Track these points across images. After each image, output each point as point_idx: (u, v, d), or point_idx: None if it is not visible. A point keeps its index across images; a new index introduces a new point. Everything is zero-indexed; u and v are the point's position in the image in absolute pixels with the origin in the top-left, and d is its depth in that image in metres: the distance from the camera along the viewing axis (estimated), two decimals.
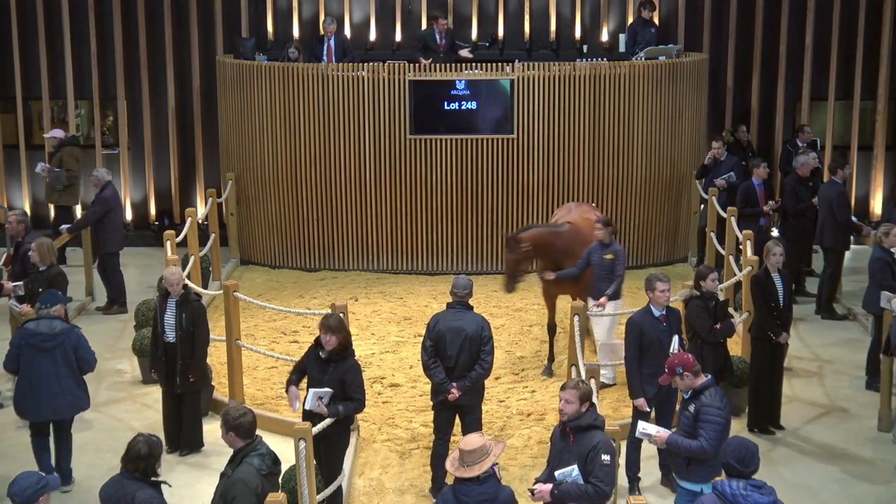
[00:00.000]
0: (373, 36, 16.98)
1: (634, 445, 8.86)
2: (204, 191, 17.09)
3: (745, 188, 13.74)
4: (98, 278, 13.91)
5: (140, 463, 6.46)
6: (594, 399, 7.16)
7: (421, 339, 9.04)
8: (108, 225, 13.61)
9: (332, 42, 15.38)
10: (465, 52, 15.19)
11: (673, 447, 7.38)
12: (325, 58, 15.28)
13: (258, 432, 6.89)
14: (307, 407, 8.02)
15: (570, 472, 6.70)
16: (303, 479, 7.64)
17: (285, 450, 7.87)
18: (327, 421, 8.02)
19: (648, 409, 8.72)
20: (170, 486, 6.74)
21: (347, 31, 16.83)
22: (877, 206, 17.25)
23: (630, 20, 16.57)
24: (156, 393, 10.47)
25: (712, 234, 13.89)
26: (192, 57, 17.04)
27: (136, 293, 13.90)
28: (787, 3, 16.90)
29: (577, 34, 16.97)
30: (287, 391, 8.43)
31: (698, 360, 7.80)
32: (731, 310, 10.34)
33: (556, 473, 6.77)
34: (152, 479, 6.54)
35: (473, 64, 14.87)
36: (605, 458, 6.69)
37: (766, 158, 15.21)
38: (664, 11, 16.88)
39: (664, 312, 8.83)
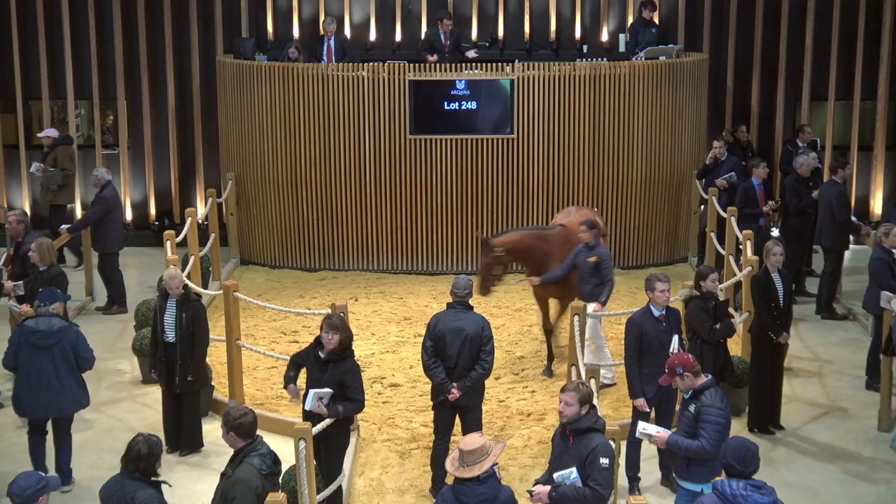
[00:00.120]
0: (373, 36, 16.98)
1: (634, 446, 8.86)
2: (204, 191, 17.09)
3: (744, 188, 13.74)
4: (98, 278, 13.91)
5: (140, 463, 6.46)
6: (594, 401, 7.14)
7: (421, 339, 9.04)
8: (107, 225, 13.61)
9: (332, 42, 15.39)
10: (471, 54, 15.17)
11: (673, 447, 7.38)
12: (325, 58, 15.28)
13: (258, 432, 6.89)
14: (307, 407, 8.02)
15: (569, 475, 6.69)
16: (303, 479, 7.64)
17: (285, 450, 7.87)
18: (327, 421, 8.02)
19: (648, 410, 8.72)
20: (170, 485, 6.74)
21: (347, 31, 16.83)
22: (877, 206, 17.26)
23: (630, 20, 16.58)
24: (156, 393, 10.47)
25: (712, 235, 13.89)
26: (192, 57, 17.04)
27: (136, 293, 13.91)
28: (787, 3, 16.90)
29: (577, 34, 16.97)
30: (286, 388, 8.45)
31: (698, 360, 7.80)
32: (731, 310, 10.33)
33: (555, 475, 6.77)
34: (152, 479, 6.54)
35: (473, 64, 14.87)
36: (604, 461, 6.67)
37: (766, 158, 15.21)
38: (664, 11, 16.88)
39: (664, 312, 8.83)
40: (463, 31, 16.54)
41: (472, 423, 8.69)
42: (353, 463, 9.31)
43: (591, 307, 10.56)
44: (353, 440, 9.39)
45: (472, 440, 6.39)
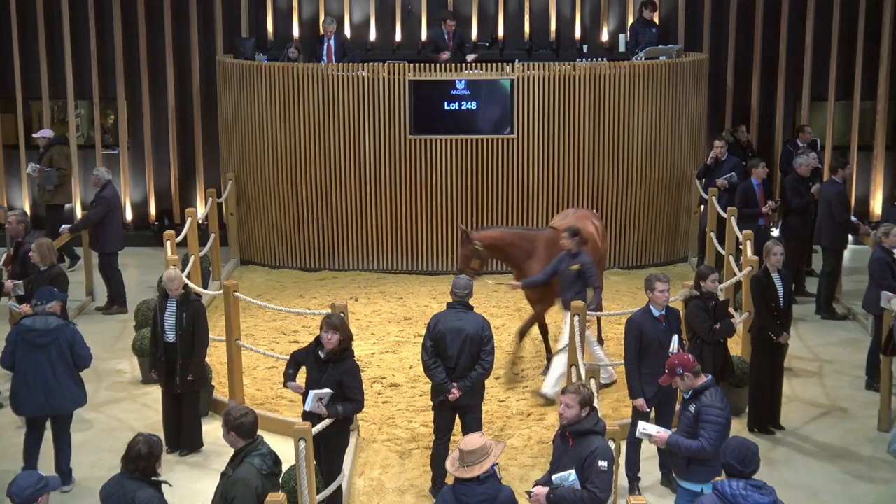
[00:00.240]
0: (373, 36, 16.98)
1: (634, 446, 8.87)
2: (204, 191, 17.09)
3: (743, 188, 13.74)
4: (99, 278, 13.90)
5: (140, 463, 6.46)
6: (595, 402, 7.13)
7: (421, 339, 9.04)
8: (107, 225, 13.60)
9: (332, 42, 15.39)
10: (471, 57, 15.15)
11: (673, 447, 7.38)
12: (325, 58, 15.28)
13: (259, 432, 6.89)
14: (307, 408, 8.02)
15: (567, 477, 6.68)
16: (303, 479, 7.64)
17: (285, 450, 7.87)
18: (327, 421, 8.03)
19: (648, 410, 8.72)
20: (170, 485, 6.74)
21: (347, 31, 16.83)
22: (877, 206, 17.26)
23: (630, 20, 16.58)
24: (156, 393, 10.47)
25: (712, 235, 13.89)
26: (192, 57, 17.04)
27: (136, 293, 13.91)
28: (787, 3, 16.90)
29: (577, 34, 16.96)
30: (286, 385, 8.46)
31: (698, 360, 7.80)
32: (731, 310, 10.32)
33: (553, 477, 6.76)
34: (152, 478, 6.54)
35: (473, 64, 14.87)
36: (602, 464, 6.65)
37: (766, 159, 15.22)
38: (664, 11, 16.88)
39: (664, 312, 8.83)
40: (463, 31, 16.55)
41: (473, 423, 8.69)
42: (353, 463, 9.31)
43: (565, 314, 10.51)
44: (353, 440, 9.39)
45: (473, 440, 6.39)
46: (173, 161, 17.31)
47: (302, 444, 7.61)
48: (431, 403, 8.90)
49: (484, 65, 14.83)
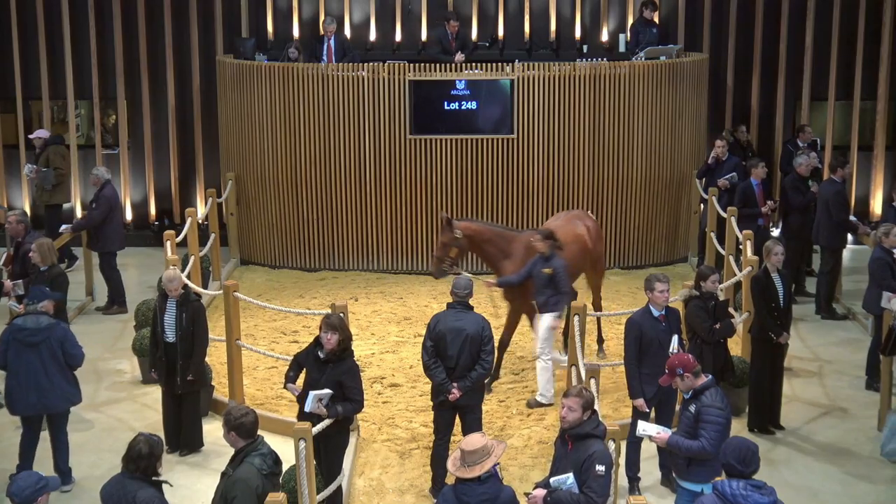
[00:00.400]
0: (373, 36, 16.98)
1: (634, 446, 8.86)
2: (204, 191, 17.09)
3: (743, 189, 13.74)
4: (99, 278, 13.90)
5: (141, 462, 6.46)
6: (596, 405, 7.11)
7: (421, 339, 9.04)
8: (107, 224, 13.61)
9: (332, 42, 15.38)
10: (458, 56, 15.09)
11: (674, 448, 7.38)
12: (325, 58, 15.28)
13: (259, 432, 6.89)
14: (306, 409, 8.01)
15: (565, 480, 6.68)
16: (303, 479, 7.64)
17: (285, 450, 7.87)
18: (327, 421, 8.03)
19: (648, 410, 8.72)
20: (171, 485, 6.74)
21: (347, 31, 16.83)
22: (877, 206, 17.25)
23: (630, 20, 16.58)
24: (156, 393, 10.47)
25: (712, 235, 13.89)
26: (192, 57, 17.04)
27: (136, 293, 13.91)
28: (787, 3, 16.90)
29: (577, 34, 16.96)
30: (286, 387, 8.46)
31: (698, 360, 7.81)
32: (731, 310, 10.32)
33: (551, 480, 6.75)
34: (153, 478, 6.54)
35: (473, 64, 14.87)
36: (600, 468, 6.63)
37: (766, 159, 15.22)
38: (664, 11, 16.88)
39: (663, 312, 8.83)
40: (463, 32, 16.54)
41: (473, 424, 8.69)
42: (353, 463, 9.31)
43: (547, 320, 10.44)
44: (353, 440, 9.39)
45: (474, 440, 6.39)
46: (173, 161, 17.31)
47: (302, 444, 7.61)
48: (431, 403, 8.90)
49: (484, 65, 14.83)
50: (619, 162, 14.85)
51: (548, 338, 10.51)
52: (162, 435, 9.25)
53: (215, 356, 11.22)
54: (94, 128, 17.24)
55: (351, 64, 14.94)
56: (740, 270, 11.58)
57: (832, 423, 10.46)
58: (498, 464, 6.42)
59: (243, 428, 6.72)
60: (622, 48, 16.27)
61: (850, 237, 14.31)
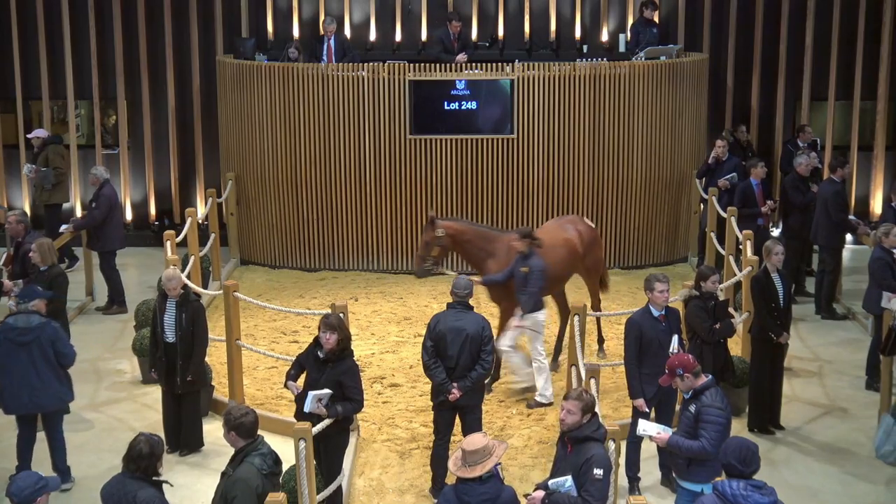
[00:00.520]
0: (373, 36, 16.98)
1: (634, 446, 8.86)
2: (204, 191, 17.09)
3: (742, 188, 13.74)
4: (99, 278, 13.90)
5: (141, 462, 6.46)
6: (596, 407, 7.10)
7: (421, 339, 9.04)
8: (108, 223, 13.61)
9: (332, 42, 15.38)
10: (461, 56, 15.09)
11: (674, 448, 7.38)
12: (325, 58, 15.28)
13: (259, 432, 6.89)
14: (306, 409, 8.01)
15: (564, 483, 6.67)
16: (303, 479, 7.64)
17: (285, 450, 7.87)
18: (327, 421, 8.03)
19: (648, 410, 8.72)
20: (171, 485, 6.75)
21: (347, 31, 16.83)
22: (876, 205, 17.25)
23: (630, 20, 16.58)
24: (156, 393, 10.47)
25: (712, 235, 13.89)
26: (192, 57, 17.04)
27: (136, 293, 13.91)
28: (787, 3, 16.90)
29: (577, 34, 16.96)
30: (286, 385, 8.46)
31: (698, 360, 7.81)
32: (731, 310, 10.32)
33: (550, 483, 6.75)
34: (154, 478, 6.54)
35: (473, 64, 14.87)
36: (598, 472, 6.62)
37: (766, 159, 15.22)
38: (664, 11, 16.88)
39: (663, 312, 8.83)
40: (463, 31, 16.54)
41: (473, 424, 8.69)
42: (353, 463, 9.31)
43: (514, 320, 10.45)
44: (352, 440, 9.39)
45: (475, 440, 6.39)
46: (173, 161, 17.31)
47: (302, 444, 7.61)
48: (431, 403, 8.90)
49: (484, 65, 14.83)
50: (619, 162, 14.84)
51: (514, 338, 10.55)
52: (162, 435, 9.26)
53: (215, 356, 11.22)
54: (94, 128, 17.23)
55: (351, 64, 14.94)
56: (740, 270, 11.58)
57: (832, 423, 10.46)
58: (499, 464, 6.41)
59: (243, 428, 6.72)
60: (622, 48, 16.26)
61: (849, 237, 14.32)
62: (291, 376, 8.41)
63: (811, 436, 10.16)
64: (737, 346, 11.06)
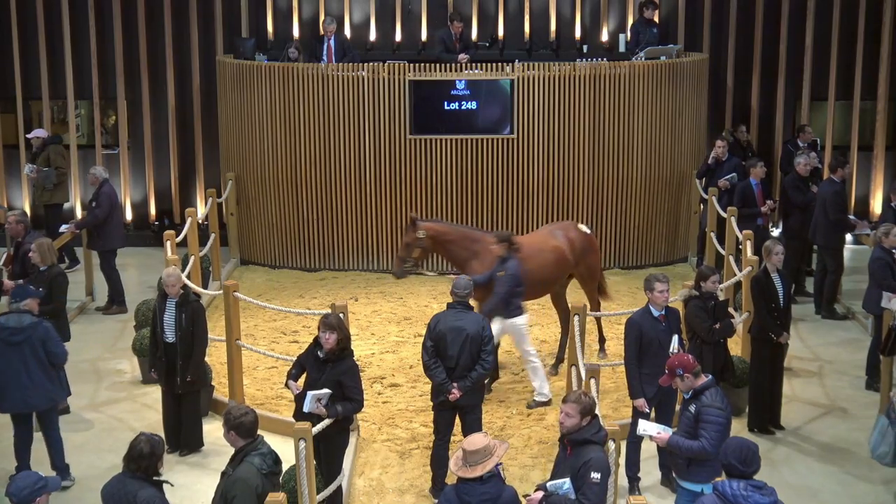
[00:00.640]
0: (373, 36, 16.98)
1: (634, 446, 8.87)
2: (204, 191, 17.09)
3: (742, 188, 13.75)
4: (99, 278, 13.90)
5: (142, 462, 6.47)
6: (596, 409, 7.09)
7: (421, 339, 9.04)
8: (108, 223, 13.61)
9: (332, 42, 15.38)
10: (462, 56, 15.09)
11: (674, 448, 7.38)
12: (325, 58, 15.28)
13: (259, 432, 6.89)
14: (305, 409, 8.01)
15: (562, 485, 6.67)
16: (303, 479, 7.64)
17: (285, 450, 7.87)
18: (327, 421, 8.03)
19: (648, 410, 8.72)
20: (171, 485, 6.75)
21: (347, 31, 16.83)
22: (877, 205, 17.25)
23: (630, 20, 16.58)
24: (156, 393, 10.47)
25: (712, 235, 13.89)
26: (192, 57, 17.04)
27: (136, 293, 13.91)
28: (787, 3, 16.90)
29: (577, 34, 16.96)
30: (286, 384, 8.47)
31: (698, 360, 7.81)
32: (731, 310, 10.32)
33: (548, 485, 6.74)
34: (154, 478, 6.54)
35: (473, 64, 14.87)
36: (595, 475, 6.61)
37: (766, 158, 15.21)
38: (664, 11, 16.88)
39: (663, 312, 8.83)
40: (463, 31, 16.54)
41: (473, 424, 8.69)
42: (353, 463, 9.31)
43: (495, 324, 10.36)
44: (353, 440, 9.39)
45: (476, 440, 6.38)
46: (173, 161, 17.31)
47: (302, 444, 7.61)
48: (431, 403, 8.90)
49: (484, 65, 14.83)
50: (619, 162, 14.84)
51: (521, 339, 10.56)
52: (162, 435, 9.26)
53: (215, 356, 11.22)
54: (95, 128, 17.23)
55: (351, 64, 14.94)
56: (740, 270, 11.58)
57: (832, 423, 10.46)
58: (500, 463, 6.41)
59: (243, 427, 6.72)
60: (622, 48, 16.27)
61: (849, 237, 14.31)
62: (293, 376, 8.42)
63: (811, 436, 10.16)
64: (737, 346, 11.06)
